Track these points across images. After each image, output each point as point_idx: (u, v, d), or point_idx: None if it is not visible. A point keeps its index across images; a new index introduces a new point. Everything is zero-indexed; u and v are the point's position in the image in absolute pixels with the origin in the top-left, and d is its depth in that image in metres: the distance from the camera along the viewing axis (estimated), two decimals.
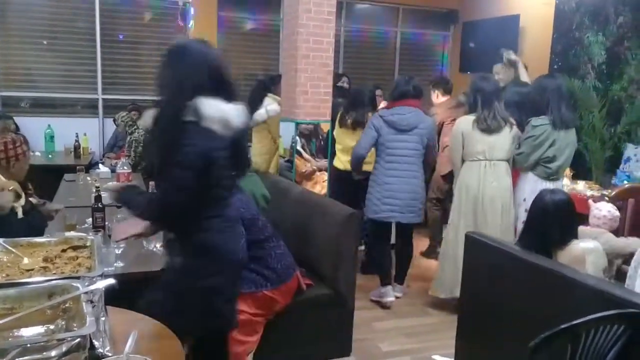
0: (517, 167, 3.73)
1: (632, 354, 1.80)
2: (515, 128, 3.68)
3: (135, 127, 5.44)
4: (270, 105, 4.79)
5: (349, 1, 7.08)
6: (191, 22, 6.31)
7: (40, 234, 2.41)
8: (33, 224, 2.59)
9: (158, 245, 2.70)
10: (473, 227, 3.55)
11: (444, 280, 3.78)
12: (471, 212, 3.65)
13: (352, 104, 4.37)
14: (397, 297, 4.01)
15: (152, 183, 2.91)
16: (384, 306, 3.91)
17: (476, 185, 3.62)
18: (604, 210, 3.16)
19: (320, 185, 4.59)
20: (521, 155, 3.64)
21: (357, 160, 3.93)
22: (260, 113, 4.89)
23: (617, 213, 3.15)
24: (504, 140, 3.62)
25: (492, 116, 3.59)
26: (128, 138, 5.42)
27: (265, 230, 2.73)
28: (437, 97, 5.03)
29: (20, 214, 2.56)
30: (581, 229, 2.88)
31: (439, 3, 7.42)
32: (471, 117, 3.66)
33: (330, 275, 3.04)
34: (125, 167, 3.82)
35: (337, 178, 4.40)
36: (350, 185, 4.25)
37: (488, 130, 3.58)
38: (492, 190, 3.60)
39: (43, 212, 2.76)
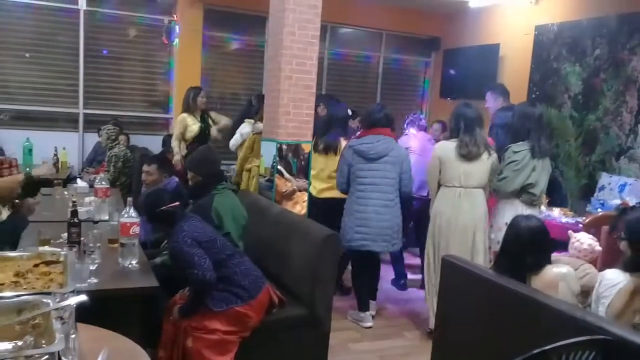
0: (501, 193, 3.75)
1: None
2: (494, 155, 3.72)
3: (116, 142, 5.41)
4: (244, 129, 4.86)
5: (333, 25, 7.18)
6: (176, 40, 6.34)
7: (20, 232, 2.55)
8: (16, 223, 2.60)
9: (134, 262, 2.68)
10: (445, 253, 3.59)
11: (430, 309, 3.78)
12: (444, 238, 3.67)
13: (323, 128, 4.40)
14: (372, 316, 4.04)
15: (129, 199, 2.88)
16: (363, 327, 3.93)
17: (450, 211, 3.64)
18: (585, 244, 3.13)
19: (300, 205, 4.58)
20: (505, 180, 3.67)
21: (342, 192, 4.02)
22: (236, 138, 4.96)
23: (599, 247, 3.14)
24: (480, 167, 3.64)
25: (473, 142, 3.62)
26: (108, 153, 5.38)
27: (226, 249, 2.75)
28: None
29: (4, 216, 2.59)
30: (560, 257, 2.92)
31: (421, 30, 7.56)
32: (449, 143, 3.71)
33: (308, 296, 3.03)
34: (103, 182, 3.79)
35: (312, 203, 4.41)
36: (325, 211, 4.25)
37: (468, 155, 3.61)
38: (466, 217, 3.61)
39: (24, 210, 2.72)
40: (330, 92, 6.71)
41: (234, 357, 2.65)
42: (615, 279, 2.24)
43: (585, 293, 2.71)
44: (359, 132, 4.22)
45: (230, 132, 5.26)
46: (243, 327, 2.68)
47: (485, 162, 3.66)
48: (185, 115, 5.23)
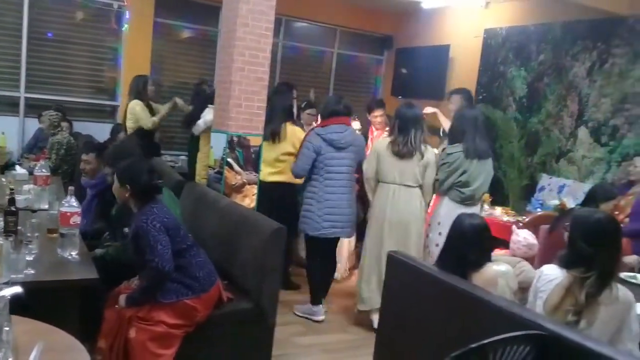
0: (440, 194, 3.85)
1: None
2: (428, 156, 3.75)
3: (59, 128, 5.22)
4: (207, 115, 4.77)
5: (288, 18, 7.15)
6: (125, 26, 6.17)
7: None
8: None
9: (74, 253, 2.59)
10: (380, 249, 3.68)
11: (362, 296, 3.85)
12: (380, 234, 3.74)
13: (268, 116, 4.38)
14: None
15: (71, 188, 2.79)
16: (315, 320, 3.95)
17: (386, 207, 3.72)
18: (520, 236, 3.31)
19: (249, 199, 4.55)
20: (437, 181, 3.79)
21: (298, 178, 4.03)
22: (199, 124, 4.86)
23: (533, 241, 3.29)
24: (413, 167, 3.72)
25: (404, 142, 3.69)
26: (50, 139, 5.19)
27: (187, 239, 2.72)
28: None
29: None
30: (500, 255, 3.01)
31: (375, 28, 7.63)
32: (386, 140, 3.78)
33: (254, 290, 3.01)
34: (44, 170, 3.65)
35: (261, 190, 4.39)
36: (270, 194, 4.25)
37: (399, 154, 3.69)
38: (401, 214, 3.70)
39: None
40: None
41: (176, 352, 2.61)
42: (552, 274, 2.32)
43: (522, 290, 2.82)
44: (320, 121, 4.21)
45: (190, 117, 5.11)
46: (190, 322, 2.65)
47: (417, 162, 3.72)
48: (141, 103, 5.07)
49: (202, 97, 5.20)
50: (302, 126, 4.68)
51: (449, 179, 3.74)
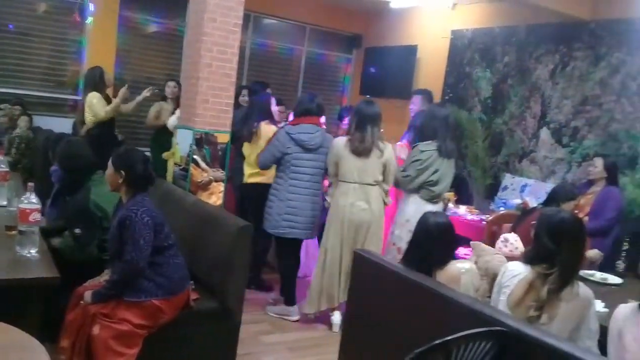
0: (401, 188, 3.88)
1: None
2: (387, 153, 3.75)
3: (18, 123, 5.07)
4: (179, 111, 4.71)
5: (257, 15, 7.11)
6: (89, 19, 6.03)
7: None
8: None
9: (33, 251, 2.52)
10: (339, 248, 3.70)
11: (312, 295, 3.85)
12: (340, 233, 3.74)
13: (247, 116, 4.35)
14: None
15: (31, 184, 2.71)
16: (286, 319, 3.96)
17: (345, 206, 3.72)
18: (509, 246, 3.26)
19: (216, 196, 4.52)
20: (407, 178, 3.80)
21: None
22: (172, 119, 4.80)
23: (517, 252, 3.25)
24: (372, 165, 3.71)
25: (360, 139, 3.68)
26: (9, 134, 5.04)
27: (169, 238, 2.70)
28: None
29: None
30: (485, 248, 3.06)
31: (344, 26, 7.66)
32: (345, 138, 3.78)
33: (220, 289, 2.99)
34: (2, 166, 3.54)
35: (241, 188, 4.36)
36: (251, 196, 4.22)
37: (356, 152, 3.68)
38: (361, 212, 3.70)
39: None
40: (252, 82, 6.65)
41: (138, 352, 2.57)
42: (517, 269, 2.37)
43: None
44: (291, 120, 4.18)
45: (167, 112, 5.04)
46: (154, 323, 2.61)
47: (377, 160, 3.71)
48: (98, 95, 4.96)
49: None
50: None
51: (420, 176, 3.77)
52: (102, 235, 2.90)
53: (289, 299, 4.00)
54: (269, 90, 4.98)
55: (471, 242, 3.30)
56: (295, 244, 4.03)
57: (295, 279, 4.06)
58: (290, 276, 4.03)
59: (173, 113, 5.03)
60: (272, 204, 3.90)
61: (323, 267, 3.80)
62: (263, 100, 4.37)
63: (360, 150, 3.67)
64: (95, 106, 4.81)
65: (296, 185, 3.84)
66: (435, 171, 3.77)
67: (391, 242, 3.92)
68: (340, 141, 3.78)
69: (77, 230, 2.93)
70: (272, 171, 4.04)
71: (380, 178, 3.74)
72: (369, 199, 3.72)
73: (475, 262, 3.17)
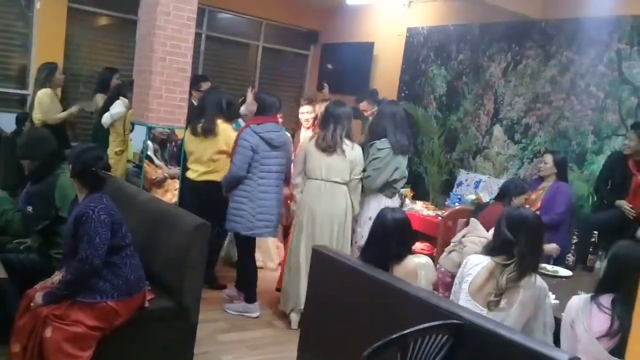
0: (366, 191, 3.88)
1: None
2: (355, 153, 3.77)
3: None
4: (115, 108, 4.58)
5: (212, 9, 7.01)
6: (37, 11, 5.81)
7: None
8: None
9: None
10: (305, 244, 3.70)
11: (286, 293, 3.85)
12: (306, 228, 3.75)
13: (200, 111, 4.27)
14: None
15: None
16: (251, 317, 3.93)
17: (312, 202, 3.74)
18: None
19: (171, 194, 4.43)
20: (369, 178, 3.83)
21: (236, 181, 3.82)
22: (106, 116, 4.66)
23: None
24: (339, 163, 3.73)
25: (323, 137, 3.72)
26: None
27: (127, 237, 2.65)
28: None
29: None
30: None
31: (300, 22, 7.63)
32: (313, 135, 3.83)
33: (176, 287, 2.93)
34: None
35: (190, 188, 4.26)
36: (204, 195, 4.15)
37: (322, 149, 3.72)
38: (326, 210, 3.71)
39: None
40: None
41: (92, 353, 2.49)
42: (478, 260, 2.45)
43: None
44: (254, 117, 4.11)
45: (104, 107, 4.89)
46: (109, 325, 2.54)
47: (343, 159, 3.74)
48: (50, 93, 4.80)
49: (114, 88, 5.00)
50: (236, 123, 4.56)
51: (381, 175, 3.80)
52: (57, 228, 2.86)
53: (250, 296, 3.96)
54: (208, 84, 4.95)
55: (471, 219, 3.44)
56: (254, 241, 4.01)
57: (257, 276, 4.03)
58: (253, 273, 4.00)
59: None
60: (243, 206, 3.81)
61: (295, 265, 3.79)
62: (217, 96, 4.32)
63: (325, 148, 3.70)
64: (46, 107, 4.68)
65: (266, 184, 3.82)
66: (396, 169, 3.82)
67: (354, 241, 3.93)
68: (308, 138, 3.84)
69: (29, 209, 2.91)
70: (224, 167, 4.00)
71: (347, 178, 3.76)
72: (334, 196, 3.73)
73: (464, 236, 3.25)
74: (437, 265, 3.36)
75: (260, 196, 3.81)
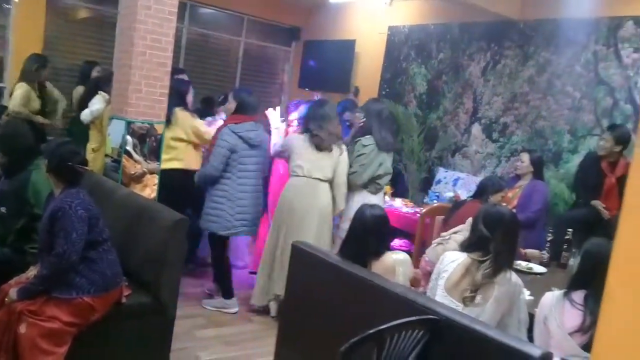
0: (352, 187, 3.91)
1: (429, 356, 1.99)
2: (339, 150, 3.84)
3: None
4: (96, 104, 4.54)
5: (193, 3, 6.95)
6: (14, 2, 5.70)
7: None
8: None
9: None
10: (284, 240, 3.71)
11: (260, 288, 3.86)
12: (285, 224, 3.77)
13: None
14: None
15: None
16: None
17: (294, 199, 3.76)
18: None
19: (150, 189, 4.40)
20: (355, 174, 3.86)
21: (210, 181, 3.81)
22: (85, 113, 4.60)
23: None
24: (325, 161, 3.78)
25: (316, 136, 3.77)
26: None
27: (104, 232, 2.64)
28: None
29: None
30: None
31: (283, 19, 7.61)
32: (300, 135, 3.86)
33: (153, 283, 2.92)
34: None
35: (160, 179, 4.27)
36: (167, 185, 4.15)
37: (318, 147, 3.75)
38: (307, 206, 3.74)
39: None
40: (188, 73, 6.50)
41: (68, 349, 2.47)
42: (454, 256, 2.48)
43: None
44: (232, 116, 4.10)
45: (82, 103, 4.82)
46: (85, 321, 2.52)
47: (333, 157, 3.79)
48: (26, 87, 4.72)
49: (93, 82, 4.93)
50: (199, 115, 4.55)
51: (367, 171, 3.83)
52: (33, 224, 2.82)
53: (227, 292, 3.96)
54: (185, 77, 4.93)
55: (468, 219, 3.41)
56: (229, 239, 4.02)
57: (231, 272, 4.03)
58: (228, 269, 4.00)
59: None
60: (221, 206, 3.81)
61: (271, 260, 3.80)
62: (182, 86, 4.31)
63: (322, 146, 3.75)
64: (15, 99, 4.62)
65: (245, 183, 3.83)
66: (380, 165, 3.86)
67: (337, 236, 3.95)
68: (295, 137, 3.86)
69: (3, 209, 2.87)
70: (184, 156, 4.06)
71: (330, 175, 3.79)
72: (315, 193, 3.75)
73: (455, 232, 3.28)
74: (423, 255, 3.40)
75: (240, 196, 3.81)
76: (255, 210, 3.92)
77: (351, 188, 3.93)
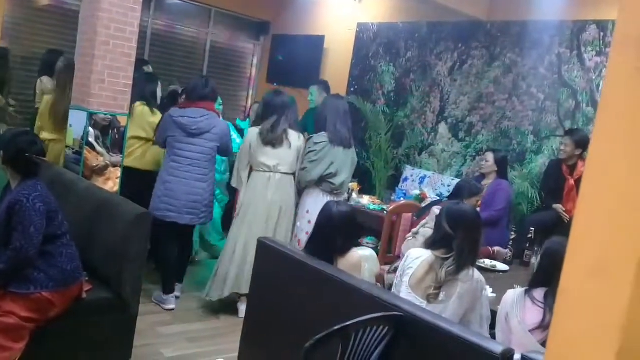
0: (302, 183, 3.87)
1: (393, 351, 2.00)
2: (300, 141, 3.83)
3: None
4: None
5: None
6: None
7: None
8: None
9: None
10: (248, 236, 3.67)
11: (217, 281, 3.78)
12: (248, 219, 3.73)
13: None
14: (177, 297, 3.95)
15: None
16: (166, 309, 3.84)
17: (256, 194, 3.72)
18: None
19: (112, 182, 4.29)
20: (304, 170, 3.83)
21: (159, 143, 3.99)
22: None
23: None
24: (286, 154, 3.75)
25: (270, 129, 3.72)
26: None
27: (63, 226, 2.56)
28: None
29: None
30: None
31: (251, 12, 7.53)
32: (257, 129, 3.79)
33: (115, 278, 2.85)
34: None
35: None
36: (127, 183, 4.08)
37: (268, 142, 3.72)
38: (272, 201, 3.72)
39: None
40: (153, 65, 6.37)
41: (25, 345, 2.40)
42: (418, 253, 2.49)
43: None
44: (181, 102, 4.07)
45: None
46: (43, 316, 2.46)
47: (289, 149, 3.76)
48: None
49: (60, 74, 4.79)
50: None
51: (316, 168, 3.80)
52: None
53: (165, 286, 3.87)
54: (148, 69, 4.83)
55: (432, 208, 3.45)
56: (176, 228, 3.87)
57: (173, 266, 3.93)
58: (168, 262, 3.92)
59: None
60: (155, 186, 3.87)
61: (232, 254, 3.74)
62: (139, 77, 4.25)
63: (271, 140, 3.70)
64: None
65: (175, 168, 3.78)
66: (332, 163, 3.81)
67: (293, 234, 3.93)
68: (253, 131, 3.79)
69: None
70: (140, 152, 4.12)
71: (295, 168, 3.79)
72: (281, 187, 3.73)
73: (423, 226, 3.29)
74: (399, 251, 3.43)
75: (167, 179, 3.80)
76: (188, 198, 3.77)
77: (302, 185, 3.90)
